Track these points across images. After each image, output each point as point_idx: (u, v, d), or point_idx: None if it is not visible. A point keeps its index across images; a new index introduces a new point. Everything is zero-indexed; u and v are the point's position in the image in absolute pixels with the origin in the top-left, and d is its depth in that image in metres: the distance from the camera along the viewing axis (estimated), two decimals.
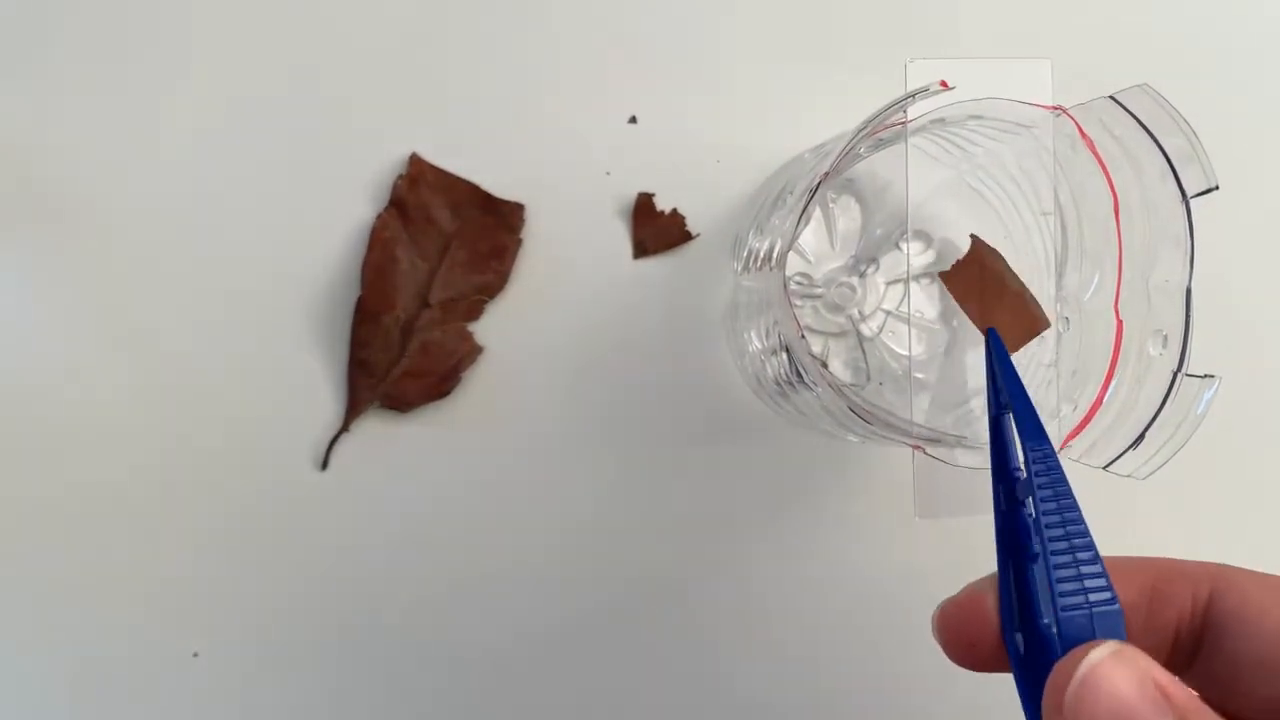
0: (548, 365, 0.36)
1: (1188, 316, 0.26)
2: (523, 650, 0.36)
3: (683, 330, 0.36)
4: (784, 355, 0.30)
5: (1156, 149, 0.25)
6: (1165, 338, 0.26)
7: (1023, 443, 0.23)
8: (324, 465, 0.35)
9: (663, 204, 0.36)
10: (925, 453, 0.26)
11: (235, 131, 0.35)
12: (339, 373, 0.35)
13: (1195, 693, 0.18)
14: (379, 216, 0.35)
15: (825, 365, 0.34)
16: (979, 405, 0.32)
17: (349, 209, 0.35)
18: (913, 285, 0.34)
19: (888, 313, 0.35)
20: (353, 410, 0.35)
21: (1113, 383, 0.27)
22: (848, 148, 0.26)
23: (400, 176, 0.35)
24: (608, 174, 0.36)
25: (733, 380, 0.36)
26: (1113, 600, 0.20)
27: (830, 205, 0.35)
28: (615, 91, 0.36)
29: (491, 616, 0.36)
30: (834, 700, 0.37)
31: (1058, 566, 0.21)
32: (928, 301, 0.34)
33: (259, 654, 0.35)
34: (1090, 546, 0.21)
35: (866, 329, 0.35)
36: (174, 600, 0.35)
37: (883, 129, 0.27)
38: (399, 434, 0.36)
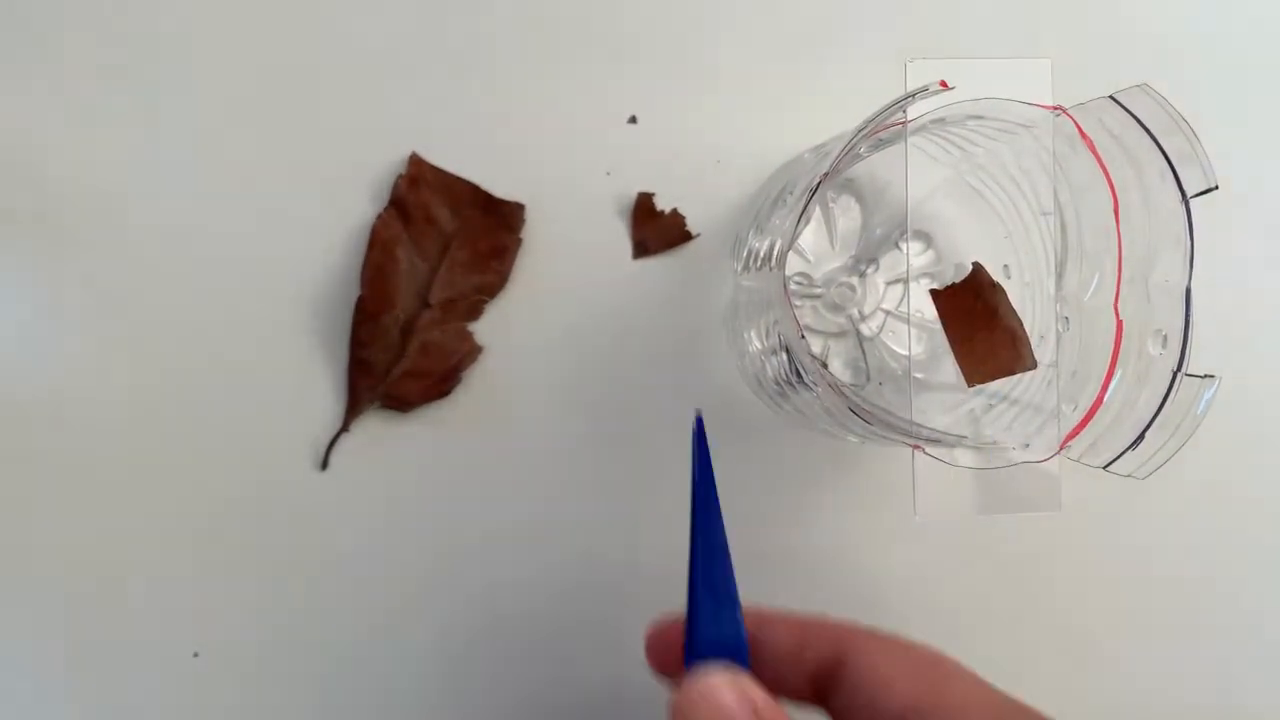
0: (548, 365, 0.36)
1: (1188, 316, 0.26)
2: (522, 648, 0.36)
3: (683, 330, 0.36)
4: (784, 355, 0.30)
5: (1156, 149, 0.25)
6: (1165, 338, 0.26)
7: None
8: (324, 465, 0.35)
9: (663, 204, 0.36)
10: (925, 453, 0.26)
11: (235, 131, 0.35)
12: (339, 373, 0.35)
13: (786, 713, 0.24)
14: (379, 216, 0.35)
15: (825, 365, 0.34)
16: (979, 405, 0.32)
17: (349, 209, 0.35)
18: (912, 285, 0.34)
19: (888, 313, 0.35)
20: (353, 410, 0.35)
21: (1113, 382, 0.27)
22: (848, 148, 0.26)
23: (400, 176, 0.35)
24: (608, 174, 0.36)
25: (733, 380, 0.36)
26: (739, 637, 0.26)
27: (830, 205, 0.35)
28: (615, 91, 0.36)
29: (491, 615, 0.36)
30: None
31: (698, 609, 0.26)
32: (927, 301, 0.34)
33: (259, 654, 0.35)
34: (732, 596, 0.26)
35: (866, 329, 0.35)
36: (174, 600, 0.35)
37: (883, 129, 0.27)
38: (399, 434, 0.36)
